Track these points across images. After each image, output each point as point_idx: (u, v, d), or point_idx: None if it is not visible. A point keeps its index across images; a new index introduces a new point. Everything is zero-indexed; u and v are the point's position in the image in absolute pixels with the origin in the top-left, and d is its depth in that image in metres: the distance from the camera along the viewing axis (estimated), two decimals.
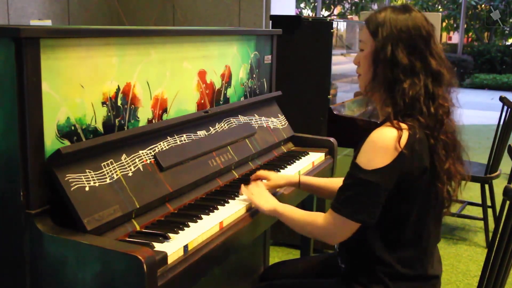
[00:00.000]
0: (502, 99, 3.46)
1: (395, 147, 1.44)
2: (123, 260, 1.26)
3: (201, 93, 2.07)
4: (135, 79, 1.71)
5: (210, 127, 2.04)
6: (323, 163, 2.40)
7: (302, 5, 18.17)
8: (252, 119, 2.32)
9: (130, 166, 1.59)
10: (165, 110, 1.87)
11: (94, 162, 1.49)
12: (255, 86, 2.48)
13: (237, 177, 2.05)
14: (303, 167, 2.23)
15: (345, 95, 3.48)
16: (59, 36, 1.45)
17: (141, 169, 1.62)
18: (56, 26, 3.78)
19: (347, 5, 18.54)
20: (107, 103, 1.61)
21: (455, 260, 3.32)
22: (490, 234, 3.32)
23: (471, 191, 4.28)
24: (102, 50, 1.59)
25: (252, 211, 1.78)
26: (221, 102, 2.21)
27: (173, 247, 1.40)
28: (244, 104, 2.31)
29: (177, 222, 1.56)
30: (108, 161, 1.53)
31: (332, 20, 3.15)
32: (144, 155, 1.66)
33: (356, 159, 1.50)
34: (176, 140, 1.83)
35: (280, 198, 1.95)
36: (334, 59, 3.14)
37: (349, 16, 18.15)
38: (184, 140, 1.87)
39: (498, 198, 3.20)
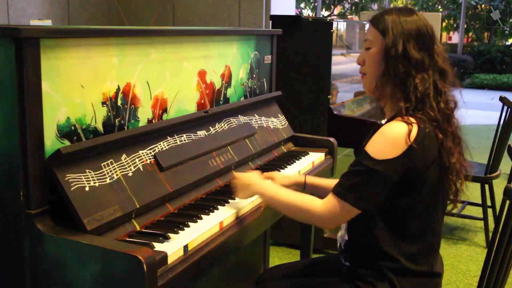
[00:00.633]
0: (502, 99, 3.46)
1: (406, 140, 1.48)
2: (123, 260, 1.26)
3: (201, 93, 2.07)
4: (135, 79, 1.71)
5: (210, 127, 2.04)
6: (323, 163, 2.40)
7: (302, 5, 18.17)
8: (252, 119, 2.32)
9: (130, 166, 1.59)
10: (165, 110, 1.87)
11: (94, 162, 1.49)
12: (255, 86, 2.48)
13: None
14: (303, 167, 2.23)
15: (345, 95, 3.48)
16: (59, 36, 1.45)
17: (141, 169, 1.62)
18: (56, 26, 3.78)
19: (347, 5, 18.54)
20: (107, 103, 1.61)
21: (455, 260, 3.32)
22: (490, 234, 3.32)
23: (471, 191, 4.28)
24: (102, 50, 1.59)
25: (252, 211, 1.78)
26: (221, 102, 2.21)
27: (173, 247, 1.40)
28: (244, 104, 2.31)
29: (177, 222, 1.56)
30: (108, 161, 1.53)
31: (332, 20, 3.15)
32: (144, 155, 1.66)
33: (365, 148, 1.53)
34: (176, 140, 1.83)
35: None
36: (334, 59, 3.14)
37: (349, 16, 18.15)
38: (184, 140, 1.87)
39: (498, 198, 3.20)
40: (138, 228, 1.52)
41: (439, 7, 17.87)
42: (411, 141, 1.47)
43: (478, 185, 3.62)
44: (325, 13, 18.27)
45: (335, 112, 3.09)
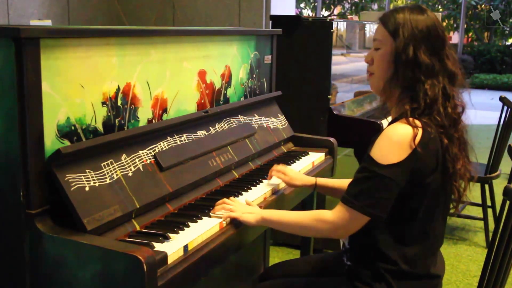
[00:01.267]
0: (502, 99, 3.46)
1: (410, 144, 1.46)
2: (123, 260, 1.26)
3: (201, 93, 2.07)
4: (135, 79, 1.71)
5: (210, 127, 2.04)
6: (323, 163, 2.40)
7: (302, 5, 18.16)
8: (252, 119, 2.32)
9: (130, 166, 1.59)
10: (165, 110, 1.87)
11: (94, 162, 1.49)
12: (255, 86, 2.48)
13: (237, 177, 2.04)
14: (303, 167, 2.23)
15: (345, 95, 3.48)
16: (59, 36, 1.45)
17: (141, 169, 1.62)
18: (56, 26, 3.78)
19: (347, 5, 18.53)
20: (107, 103, 1.61)
21: (455, 260, 3.32)
22: (490, 234, 3.32)
23: (471, 191, 4.27)
24: (102, 50, 1.59)
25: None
26: (221, 102, 2.21)
27: (173, 247, 1.40)
28: (244, 104, 2.31)
29: (177, 222, 1.56)
30: (108, 161, 1.53)
31: (332, 20, 3.15)
32: (144, 155, 1.66)
33: (370, 152, 1.51)
34: (176, 140, 1.83)
35: (281, 198, 1.96)
36: (334, 59, 3.14)
37: (349, 16, 18.14)
38: (184, 140, 1.87)
39: (498, 198, 3.20)
40: (138, 228, 1.52)
41: (439, 7, 17.87)
42: (416, 145, 1.46)
43: (478, 185, 3.61)
44: (325, 13, 18.27)
45: (335, 112, 3.09)
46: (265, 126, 2.38)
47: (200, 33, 2.13)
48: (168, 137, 1.80)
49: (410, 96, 1.52)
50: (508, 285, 2.42)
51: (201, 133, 1.97)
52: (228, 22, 4.50)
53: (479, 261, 3.29)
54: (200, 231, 1.52)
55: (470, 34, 17.88)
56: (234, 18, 4.51)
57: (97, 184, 1.45)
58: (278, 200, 1.93)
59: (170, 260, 1.37)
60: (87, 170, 1.45)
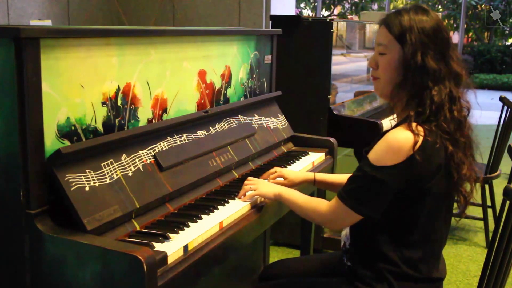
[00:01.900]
0: (502, 99, 3.46)
1: (408, 150, 1.45)
2: (123, 260, 1.26)
3: (201, 93, 2.07)
4: (135, 79, 1.71)
5: (210, 127, 2.04)
6: (323, 163, 2.40)
7: (302, 5, 18.16)
8: (252, 119, 2.32)
9: (130, 166, 1.59)
10: (165, 110, 1.87)
11: (94, 162, 1.49)
12: (255, 86, 2.48)
13: (237, 177, 2.05)
14: (303, 167, 2.23)
15: (345, 95, 3.48)
16: (59, 36, 1.45)
17: (141, 169, 1.62)
18: (56, 26, 3.78)
19: (347, 5, 18.53)
20: (107, 103, 1.61)
21: (455, 260, 3.32)
22: (490, 234, 3.32)
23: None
24: (102, 50, 1.59)
25: (253, 211, 1.78)
26: (221, 102, 2.21)
27: (173, 247, 1.40)
28: (244, 104, 2.31)
29: (177, 222, 1.56)
30: (108, 161, 1.53)
31: (332, 20, 3.15)
32: (144, 155, 1.66)
33: (368, 154, 1.52)
34: (176, 140, 1.83)
35: None
36: (334, 59, 3.14)
37: (349, 16, 18.13)
38: (184, 140, 1.87)
39: (498, 198, 3.20)
40: (138, 228, 1.52)
41: (439, 7, 17.86)
42: (414, 151, 1.45)
43: (478, 185, 3.59)
44: (325, 13, 18.26)
45: (335, 112, 3.09)
46: (265, 126, 2.38)
47: (200, 33, 2.13)
48: (168, 137, 1.80)
49: (417, 102, 1.51)
50: (508, 285, 2.42)
51: (201, 133, 1.97)
52: (228, 22, 4.51)
53: (479, 261, 3.29)
54: (200, 231, 1.52)
55: (470, 34, 17.87)
56: (234, 18, 4.51)
57: (97, 184, 1.45)
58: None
59: (170, 260, 1.37)
60: (87, 170, 1.45)
